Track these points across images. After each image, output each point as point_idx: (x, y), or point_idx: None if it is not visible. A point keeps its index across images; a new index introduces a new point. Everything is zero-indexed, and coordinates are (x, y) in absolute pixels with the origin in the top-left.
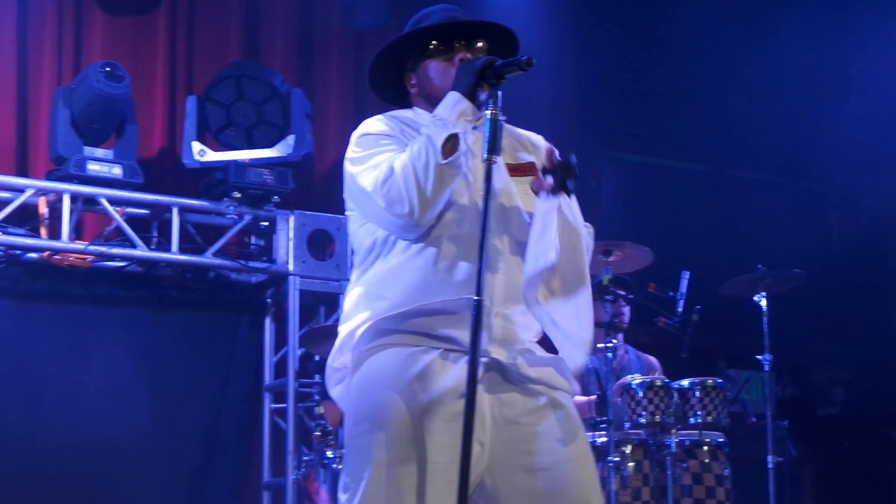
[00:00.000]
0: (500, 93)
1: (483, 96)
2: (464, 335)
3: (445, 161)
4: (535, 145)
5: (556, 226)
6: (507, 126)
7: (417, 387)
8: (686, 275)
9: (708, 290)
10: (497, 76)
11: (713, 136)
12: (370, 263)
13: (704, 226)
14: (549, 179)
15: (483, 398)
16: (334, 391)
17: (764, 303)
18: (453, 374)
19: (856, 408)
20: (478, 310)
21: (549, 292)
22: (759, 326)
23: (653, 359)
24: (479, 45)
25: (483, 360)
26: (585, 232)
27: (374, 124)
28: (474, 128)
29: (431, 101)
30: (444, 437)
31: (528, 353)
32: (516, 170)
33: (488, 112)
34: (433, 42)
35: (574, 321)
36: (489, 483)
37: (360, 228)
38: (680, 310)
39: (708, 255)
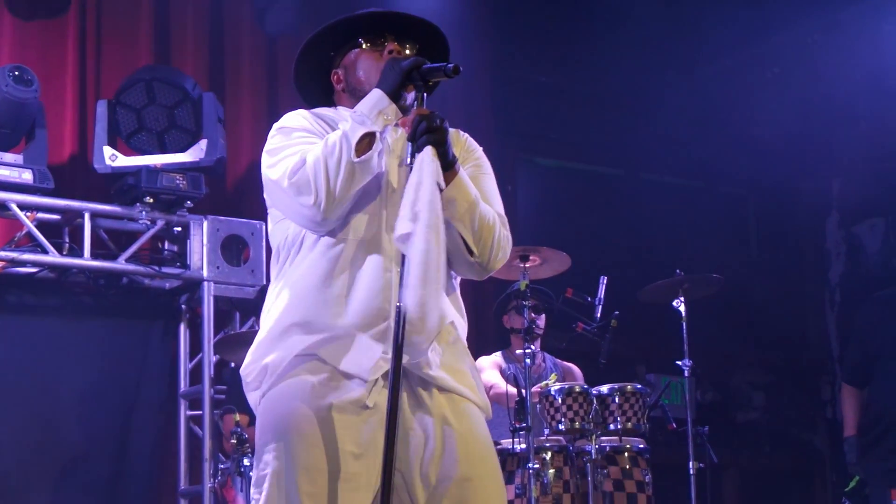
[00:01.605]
0: (425, 95)
1: (409, 98)
2: (356, 367)
3: (358, 159)
4: (458, 140)
5: (412, 190)
6: None
7: (319, 400)
8: (604, 280)
9: (626, 296)
10: (423, 79)
11: (630, 139)
12: (282, 265)
13: (622, 230)
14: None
15: (385, 397)
16: (250, 397)
17: (683, 308)
18: (354, 384)
19: (776, 412)
20: (399, 316)
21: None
22: (678, 331)
23: (572, 366)
24: (410, 42)
25: (386, 366)
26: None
27: (292, 118)
28: (396, 126)
29: (356, 96)
30: (349, 445)
31: (435, 354)
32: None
33: (413, 113)
34: (363, 33)
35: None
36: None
37: (276, 227)
38: (598, 315)
39: (626, 259)
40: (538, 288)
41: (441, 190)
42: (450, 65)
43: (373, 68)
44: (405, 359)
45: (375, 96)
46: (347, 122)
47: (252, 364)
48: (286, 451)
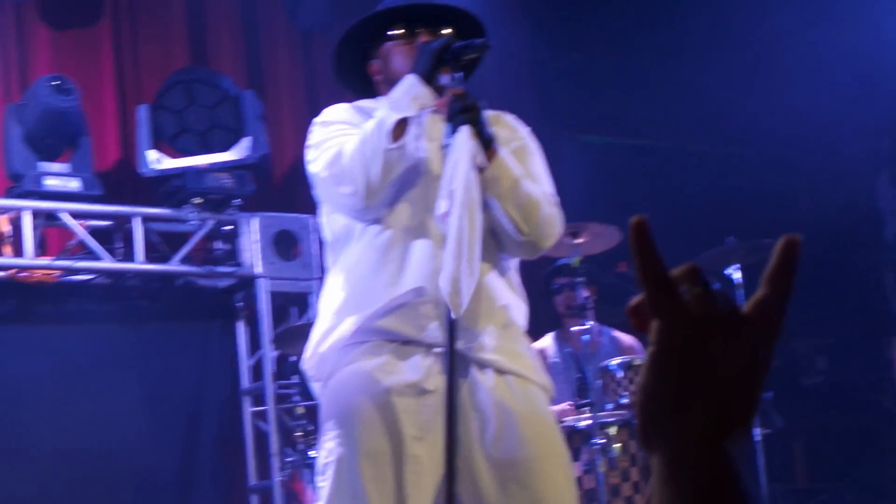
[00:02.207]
0: (460, 75)
1: (444, 79)
2: (416, 330)
3: (394, 145)
4: (503, 122)
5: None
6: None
7: (378, 385)
8: None
9: (679, 266)
10: (455, 58)
11: (674, 111)
12: (335, 256)
13: (671, 202)
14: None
15: (442, 388)
16: (314, 389)
17: (737, 275)
18: (412, 368)
19: (840, 375)
20: (451, 323)
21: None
22: (735, 299)
23: (629, 338)
24: (443, 30)
25: (437, 350)
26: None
27: (332, 112)
28: (436, 111)
29: (392, 85)
30: (410, 428)
31: (489, 337)
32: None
33: (449, 94)
34: (395, 25)
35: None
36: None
37: (327, 219)
38: None
39: (677, 230)
40: (566, 265)
41: (482, 169)
42: (477, 40)
43: (407, 58)
44: (460, 343)
45: (409, 81)
46: (382, 109)
47: (311, 355)
48: (348, 438)
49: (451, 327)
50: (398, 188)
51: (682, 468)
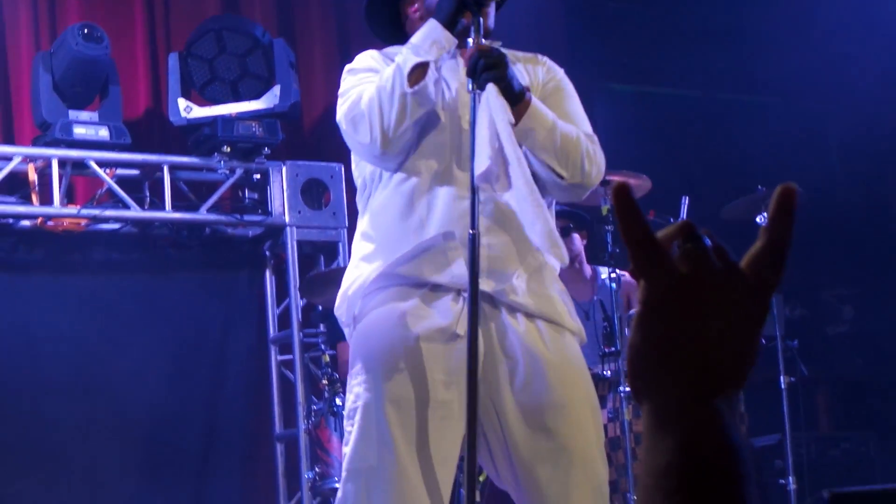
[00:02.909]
0: (481, 20)
1: (464, 23)
2: (445, 275)
3: (412, 89)
4: (537, 62)
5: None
6: (509, 51)
7: (407, 330)
8: (685, 200)
9: (709, 215)
10: (478, 3)
11: (705, 60)
12: (365, 202)
13: (701, 151)
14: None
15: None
16: (346, 334)
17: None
18: (441, 313)
19: (866, 324)
20: (473, 243)
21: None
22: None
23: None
24: None
25: (467, 294)
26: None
27: (360, 60)
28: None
29: None
30: (439, 374)
31: (520, 280)
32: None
33: (471, 40)
34: None
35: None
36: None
37: (356, 166)
38: None
39: (707, 179)
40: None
41: (514, 125)
42: None
43: None
44: (491, 285)
45: (429, 26)
46: (401, 54)
47: (341, 300)
48: (375, 383)
49: (474, 275)
50: (423, 133)
51: (666, 421)
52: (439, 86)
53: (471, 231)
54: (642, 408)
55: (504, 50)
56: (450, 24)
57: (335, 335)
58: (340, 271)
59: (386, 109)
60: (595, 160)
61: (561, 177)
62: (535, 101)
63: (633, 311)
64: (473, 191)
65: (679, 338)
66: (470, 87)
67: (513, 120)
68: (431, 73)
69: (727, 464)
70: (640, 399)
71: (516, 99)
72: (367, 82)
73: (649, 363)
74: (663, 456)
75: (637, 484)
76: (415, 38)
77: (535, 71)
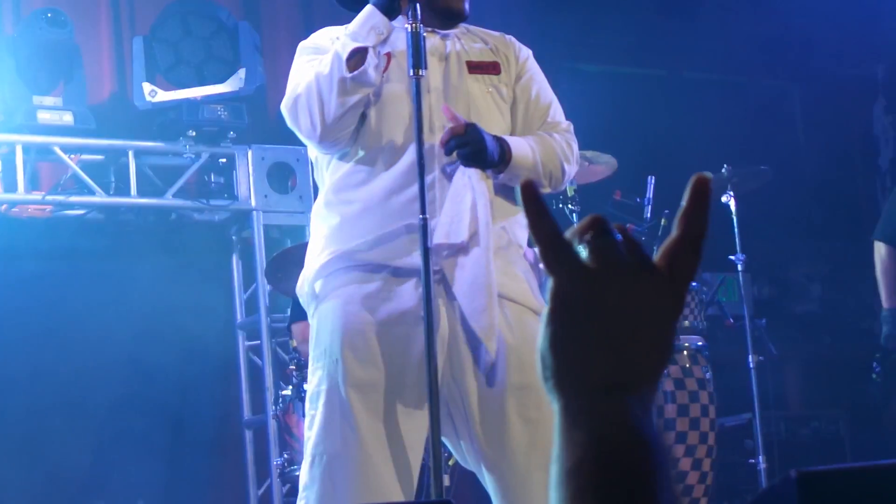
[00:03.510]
0: (418, 4)
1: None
2: (409, 259)
3: (351, 74)
4: (505, 43)
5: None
6: (472, 28)
7: (371, 313)
8: (652, 180)
9: (675, 195)
10: None
11: (669, 39)
12: (321, 179)
13: (667, 130)
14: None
15: (440, 313)
16: (308, 312)
17: (732, 203)
18: (405, 296)
19: (834, 302)
20: (423, 229)
21: None
22: (730, 227)
23: None
24: None
25: (434, 273)
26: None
27: (314, 37)
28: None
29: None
30: (404, 357)
31: None
32: (477, 67)
33: (408, 26)
34: None
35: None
36: (444, 388)
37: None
38: (648, 216)
39: (673, 159)
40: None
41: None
42: None
43: None
44: (452, 262)
45: (367, 12)
46: (340, 41)
47: (302, 280)
48: (338, 367)
49: (425, 255)
50: (385, 110)
51: (577, 418)
52: (379, 70)
53: (420, 217)
54: (555, 405)
55: (473, 29)
56: (387, 10)
57: (297, 317)
58: (303, 247)
59: (325, 95)
60: (571, 158)
61: (546, 189)
62: (515, 149)
63: None
64: (422, 174)
65: (588, 333)
66: (411, 72)
67: (495, 177)
68: (371, 59)
69: (636, 459)
70: (552, 395)
71: (499, 162)
72: (308, 66)
73: (559, 359)
74: (574, 453)
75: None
76: (353, 24)
77: (508, 54)
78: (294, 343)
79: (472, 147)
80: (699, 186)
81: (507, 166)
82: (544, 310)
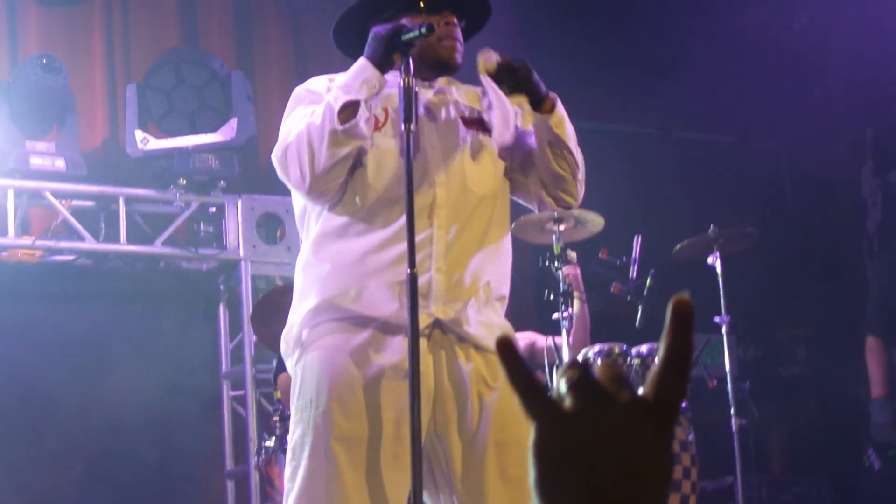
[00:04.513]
0: (411, 60)
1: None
2: (398, 313)
3: (342, 127)
4: (479, 97)
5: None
6: (467, 86)
7: (359, 367)
8: (638, 239)
9: (662, 254)
10: (407, 44)
11: (660, 98)
12: (307, 229)
13: (655, 189)
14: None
15: (425, 359)
16: (288, 363)
17: (718, 264)
18: (394, 350)
19: (819, 366)
20: (412, 282)
21: None
22: (715, 288)
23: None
24: (462, 19)
25: (427, 320)
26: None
27: (310, 83)
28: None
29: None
30: (391, 411)
31: (474, 311)
32: (471, 123)
33: (400, 81)
34: (424, 2)
35: None
36: (427, 442)
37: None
38: (634, 275)
39: (660, 218)
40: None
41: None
42: (423, 26)
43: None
44: (446, 313)
45: (360, 65)
46: (332, 91)
47: (287, 331)
48: (324, 420)
49: (413, 308)
50: (378, 162)
51: None
52: (370, 123)
53: (408, 270)
54: None
55: (465, 86)
56: (380, 65)
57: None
58: (290, 292)
59: (316, 146)
60: (582, 180)
61: (578, 168)
62: (560, 105)
63: (588, 350)
64: (411, 228)
65: (568, 476)
66: (402, 126)
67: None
68: (362, 112)
69: None
70: None
71: (545, 97)
72: (299, 116)
73: (545, 495)
74: None
75: None
76: (346, 76)
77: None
78: (278, 394)
79: (526, 71)
80: (680, 308)
81: (556, 106)
82: (530, 450)
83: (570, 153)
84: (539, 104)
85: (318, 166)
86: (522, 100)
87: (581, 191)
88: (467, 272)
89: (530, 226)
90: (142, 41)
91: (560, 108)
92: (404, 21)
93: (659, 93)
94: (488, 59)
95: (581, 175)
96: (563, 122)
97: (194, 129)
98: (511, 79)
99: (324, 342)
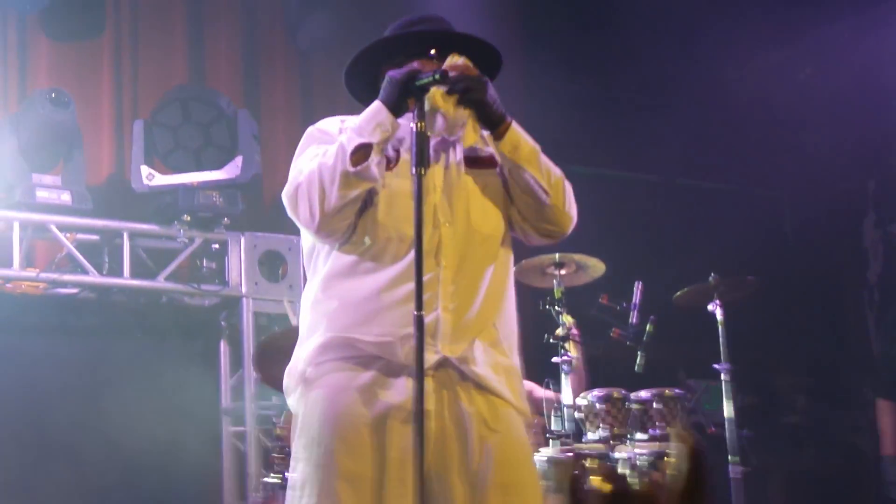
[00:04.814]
0: (426, 103)
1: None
2: (403, 353)
3: (354, 169)
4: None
5: None
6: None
7: (364, 406)
8: (639, 284)
9: (662, 300)
10: (421, 89)
11: (664, 146)
12: (314, 267)
13: (657, 235)
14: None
15: (430, 399)
16: (289, 400)
17: (718, 311)
18: (398, 389)
19: (819, 414)
20: (419, 325)
21: None
22: (715, 336)
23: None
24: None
25: (434, 357)
26: None
27: (316, 128)
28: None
29: None
30: (395, 451)
31: (480, 351)
32: (475, 162)
33: (412, 125)
34: (434, 48)
35: None
36: (429, 485)
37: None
38: (634, 320)
39: (661, 265)
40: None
41: (499, 137)
42: (437, 72)
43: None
44: (453, 351)
45: (374, 108)
46: (345, 133)
47: (291, 367)
48: (328, 458)
49: (419, 349)
50: (389, 202)
51: None
52: (381, 166)
53: (415, 312)
54: None
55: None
56: (394, 109)
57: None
58: (291, 334)
59: (327, 186)
60: (572, 200)
61: (546, 193)
62: (516, 125)
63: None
64: (419, 271)
65: None
66: (413, 169)
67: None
68: (374, 155)
69: None
70: None
71: (499, 119)
72: (311, 156)
73: None
74: None
75: None
76: (360, 119)
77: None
78: (279, 430)
79: (481, 90)
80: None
81: (509, 130)
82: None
83: (532, 179)
84: (493, 126)
85: (328, 206)
86: (468, 114)
87: (565, 220)
88: (473, 312)
89: (531, 269)
90: (150, 77)
91: (514, 132)
92: (417, 66)
93: (662, 140)
94: (455, 61)
95: (562, 201)
96: (519, 147)
97: (200, 167)
98: (463, 87)
99: (329, 380)
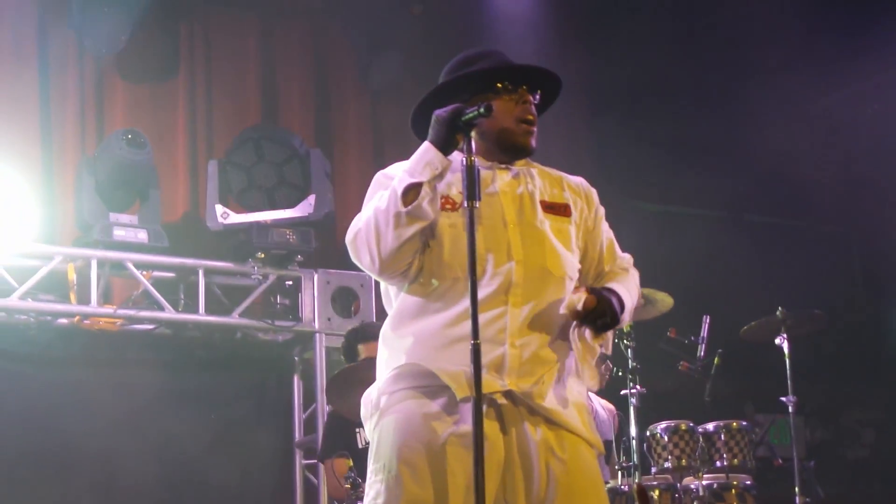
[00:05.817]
0: (472, 138)
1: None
2: (472, 385)
3: (406, 209)
4: (575, 187)
5: None
6: (547, 169)
7: (432, 433)
8: (707, 319)
9: (730, 334)
10: (468, 125)
11: (730, 181)
12: (390, 301)
13: (724, 271)
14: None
15: (495, 429)
16: (367, 426)
17: (786, 345)
18: (466, 418)
19: (886, 449)
20: (476, 354)
21: None
22: (783, 369)
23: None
24: (536, 93)
25: (499, 390)
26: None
27: (386, 170)
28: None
29: (485, 137)
30: (461, 478)
31: (549, 386)
32: (550, 207)
33: (462, 160)
34: (501, 83)
35: None
36: None
37: None
38: (702, 354)
39: (729, 299)
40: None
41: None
42: (482, 106)
43: (509, 113)
44: (521, 386)
45: (423, 149)
46: (398, 177)
47: (368, 394)
48: (396, 483)
49: (477, 378)
50: (456, 241)
51: None
52: (434, 203)
53: (472, 342)
54: None
55: (544, 168)
56: (443, 147)
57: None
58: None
59: (382, 229)
60: (638, 289)
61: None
62: (626, 302)
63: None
64: (474, 301)
65: None
66: (465, 203)
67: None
68: (425, 193)
69: None
70: None
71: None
72: (373, 202)
73: None
74: None
75: None
76: (411, 160)
77: (584, 200)
78: (349, 463)
79: (610, 318)
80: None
81: (620, 321)
82: None
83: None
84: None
85: (385, 249)
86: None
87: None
88: (540, 349)
89: None
90: (224, 118)
91: (627, 309)
92: (461, 103)
93: (731, 176)
94: (577, 300)
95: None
96: (627, 316)
97: (273, 205)
98: (603, 325)
99: (400, 407)
